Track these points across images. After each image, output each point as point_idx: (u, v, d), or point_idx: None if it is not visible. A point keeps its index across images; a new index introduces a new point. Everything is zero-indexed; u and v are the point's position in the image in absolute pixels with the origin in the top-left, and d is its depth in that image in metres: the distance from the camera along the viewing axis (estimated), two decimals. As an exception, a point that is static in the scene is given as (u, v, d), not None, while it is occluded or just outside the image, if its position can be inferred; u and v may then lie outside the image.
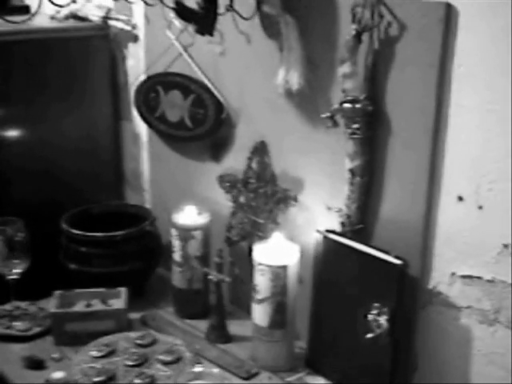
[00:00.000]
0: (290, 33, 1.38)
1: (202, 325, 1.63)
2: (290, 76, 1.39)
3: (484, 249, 1.24)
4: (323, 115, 1.37)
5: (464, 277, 1.29)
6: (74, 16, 1.90)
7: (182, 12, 1.37)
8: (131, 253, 1.69)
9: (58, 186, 1.91)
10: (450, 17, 1.20)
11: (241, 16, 1.44)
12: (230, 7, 1.41)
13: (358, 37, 1.28)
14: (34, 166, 1.86)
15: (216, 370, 1.37)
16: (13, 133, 1.83)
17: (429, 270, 1.34)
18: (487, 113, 1.19)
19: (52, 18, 1.91)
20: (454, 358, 1.33)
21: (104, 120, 1.99)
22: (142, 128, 1.93)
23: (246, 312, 1.60)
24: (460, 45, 1.21)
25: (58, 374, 1.37)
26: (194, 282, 1.66)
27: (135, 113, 1.87)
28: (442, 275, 1.32)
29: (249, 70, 1.56)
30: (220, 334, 1.59)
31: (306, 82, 1.39)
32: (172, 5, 1.45)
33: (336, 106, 1.34)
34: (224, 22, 1.48)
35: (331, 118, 1.35)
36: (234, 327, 1.62)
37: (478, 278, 1.26)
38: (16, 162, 1.83)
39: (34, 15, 1.82)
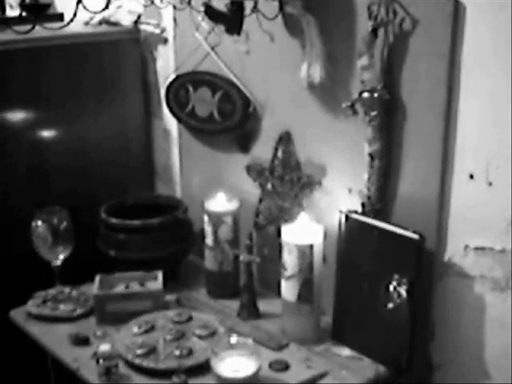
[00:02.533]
0: (312, 30, 1.50)
1: (234, 304, 1.73)
2: (312, 70, 1.51)
3: (494, 221, 1.35)
4: (344, 105, 1.49)
5: (476, 248, 1.40)
6: (106, 21, 2.02)
7: (212, 14, 1.50)
8: (166, 239, 1.80)
9: (93, 179, 2.04)
10: (458, 12, 1.32)
11: (265, 16, 1.57)
12: (255, 8, 1.54)
13: (374, 32, 1.40)
14: (72, 162, 1.99)
15: (250, 341, 1.47)
16: (52, 131, 1.95)
17: (444, 243, 1.45)
18: (494, 97, 1.30)
19: (86, 23, 2.03)
20: (469, 325, 1.45)
21: (136, 118, 2.11)
22: (171, 124, 2.05)
23: (274, 292, 1.72)
24: (468, 37, 1.32)
25: (105, 347, 1.45)
26: (225, 265, 1.77)
27: (165, 110, 2.00)
28: (456, 247, 1.43)
29: (273, 66, 1.68)
30: (251, 311, 1.70)
31: (327, 75, 1.50)
32: (201, 8, 1.58)
33: (355, 95, 1.46)
34: (249, 22, 1.60)
35: (351, 107, 1.48)
36: (263, 306, 1.72)
37: (490, 248, 1.38)
38: (56, 158, 1.96)
39: (71, 22, 1.97)
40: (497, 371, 1.42)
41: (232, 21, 1.49)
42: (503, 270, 1.37)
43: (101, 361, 1.44)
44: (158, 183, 2.19)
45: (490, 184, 1.35)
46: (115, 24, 2.02)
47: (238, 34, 1.52)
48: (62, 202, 1.80)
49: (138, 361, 1.48)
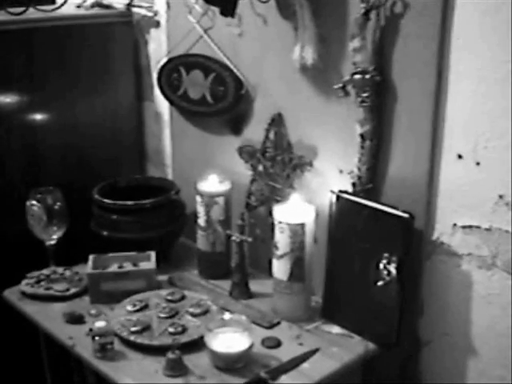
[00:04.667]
0: (304, 13, 1.52)
1: (225, 284, 1.76)
2: (305, 52, 1.53)
3: (482, 200, 1.39)
4: (335, 86, 1.52)
5: (464, 227, 1.43)
6: (98, 4, 2.02)
7: (207, -4, 1.52)
8: (158, 220, 1.83)
9: (85, 161, 2.05)
10: (448, -5, 1.35)
11: (258, -1, 1.59)
12: (249, -9, 1.56)
13: (366, 15, 1.43)
14: (64, 143, 1.99)
15: (244, 318, 1.50)
16: (45, 113, 1.95)
17: (432, 222, 1.48)
18: (483, 78, 1.33)
19: (78, 6, 2.04)
20: (457, 302, 1.48)
21: (127, 101, 2.12)
22: (163, 107, 2.07)
23: (265, 273, 1.75)
24: (457, 19, 1.35)
25: (100, 324, 1.47)
26: (217, 245, 1.80)
27: (157, 93, 2.02)
28: (445, 226, 1.47)
29: (265, 48, 1.70)
30: (242, 291, 1.72)
31: (319, 57, 1.53)
32: (196, -10, 1.60)
33: (347, 77, 1.49)
34: (242, 5, 1.62)
35: (343, 88, 1.51)
36: (254, 286, 1.75)
37: (477, 227, 1.41)
38: (49, 140, 1.96)
39: (63, 4, 1.98)
40: (483, 347, 1.46)
41: (227, 3, 1.51)
42: (490, 248, 1.41)
43: (96, 338, 1.47)
44: (149, 166, 2.21)
45: (478, 164, 1.38)
46: (107, 7, 2.03)
47: (232, 16, 1.54)
48: (55, 182, 1.81)
49: (132, 337, 1.51)
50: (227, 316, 1.52)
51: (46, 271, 1.79)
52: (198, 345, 1.48)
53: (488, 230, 1.40)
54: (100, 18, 2.02)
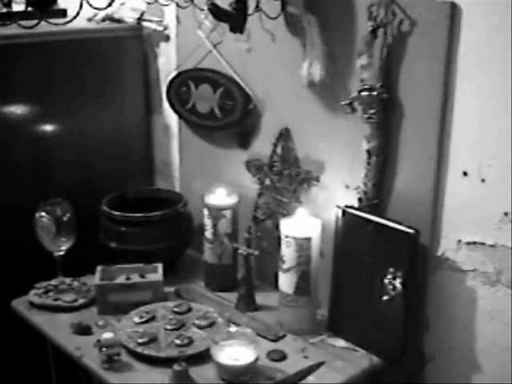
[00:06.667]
0: (313, 30, 1.55)
1: (231, 297, 1.78)
2: (313, 68, 1.55)
3: (486, 217, 1.40)
4: (343, 102, 1.54)
5: (469, 243, 1.45)
6: (109, 18, 2.05)
7: (217, 13, 1.54)
8: (166, 232, 1.84)
9: (93, 173, 2.07)
10: (454, 14, 1.37)
11: (267, 16, 1.61)
12: (258, 8, 1.58)
13: (373, 32, 1.45)
14: (73, 156, 2.01)
15: (249, 330, 1.51)
16: (55, 126, 1.97)
17: (438, 238, 1.50)
18: (488, 97, 1.35)
19: (89, 20, 2.06)
20: (461, 317, 1.50)
21: (136, 114, 2.14)
22: (172, 120, 2.09)
23: (271, 286, 1.76)
24: (464, 38, 1.37)
25: (108, 335, 1.49)
26: (223, 258, 1.81)
27: (166, 106, 2.04)
28: (450, 242, 1.48)
29: (274, 64, 1.72)
30: (248, 303, 1.74)
31: (327, 74, 1.55)
32: (205, 6, 1.62)
33: (354, 94, 1.51)
34: (251, 21, 1.64)
35: (350, 104, 1.53)
36: (261, 298, 1.76)
37: (482, 243, 1.43)
38: (57, 152, 1.98)
39: (75, 17, 2.00)
40: (487, 362, 1.47)
41: (236, 19, 1.53)
42: (494, 264, 1.42)
43: (104, 349, 1.48)
44: (157, 178, 2.23)
45: (483, 181, 1.39)
46: (118, 21, 2.05)
47: (241, 32, 1.56)
48: (64, 195, 1.82)
49: (139, 349, 1.52)
50: (233, 329, 1.54)
51: (54, 282, 1.80)
52: (204, 357, 1.50)
53: (493, 246, 1.41)
54: (110, 32, 2.05)
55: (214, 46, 1.83)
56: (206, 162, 1.99)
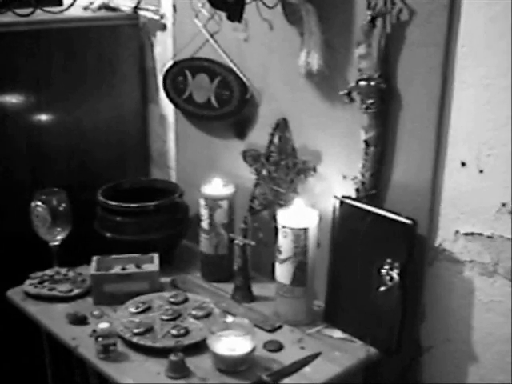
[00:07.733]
0: (311, 19, 1.54)
1: (228, 287, 1.77)
2: (311, 58, 1.55)
3: (484, 208, 1.40)
4: (341, 92, 1.53)
5: (466, 234, 1.44)
6: (105, 7, 2.03)
7: (214, 1, 1.53)
8: (162, 222, 1.83)
9: (90, 163, 2.06)
10: (453, 4, 1.36)
11: (265, 5, 1.60)
12: (256, -4, 1.57)
13: (372, 22, 1.44)
14: (69, 145, 2.01)
15: (246, 321, 1.51)
16: (51, 114, 1.96)
17: (435, 228, 1.49)
18: (486, 87, 1.34)
19: (85, 8, 2.05)
20: (458, 308, 1.49)
21: (133, 103, 2.13)
22: (168, 110, 2.08)
23: (267, 277, 1.76)
24: (463, 27, 1.36)
25: (104, 325, 1.48)
26: (220, 248, 1.81)
27: (162, 96, 2.03)
28: (447, 233, 1.48)
29: (271, 53, 1.71)
30: (245, 294, 1.73)
31: (325, 63, 1.54)
32: (203, -5, 1.61)
33: (352, 83, 1.50)
34: (248, 10, 1.63)
35: (348, 94, 1.52)
36: (257, 289, 1.76)
37: (479, 234, 1.42)
38: (54, 141, 1.97)
39: (71, 6, 1.99)
40: (484, 353, 1.47)
41: (233, 8, 1.52)
42: (491, 255, 1.42)
43: (99, 339, 1.48)
44: (153, 168, 2.22)
45: (481, 171, 1.39)
46: (114, 9, 2.04)
47: (239, 21, 1.55)
48: (60, 184, 1.82)
49: (135, 339, 1.52)
50: (230, 319, 1.53)
51: (49, 272, 1.80)
52: (200, 347, 1.49)
53: (490, 237, 1.41)
54: (106, 21, 2.04)
55: (211, 36, 1.82)
56: (202, 152, 1.98)
